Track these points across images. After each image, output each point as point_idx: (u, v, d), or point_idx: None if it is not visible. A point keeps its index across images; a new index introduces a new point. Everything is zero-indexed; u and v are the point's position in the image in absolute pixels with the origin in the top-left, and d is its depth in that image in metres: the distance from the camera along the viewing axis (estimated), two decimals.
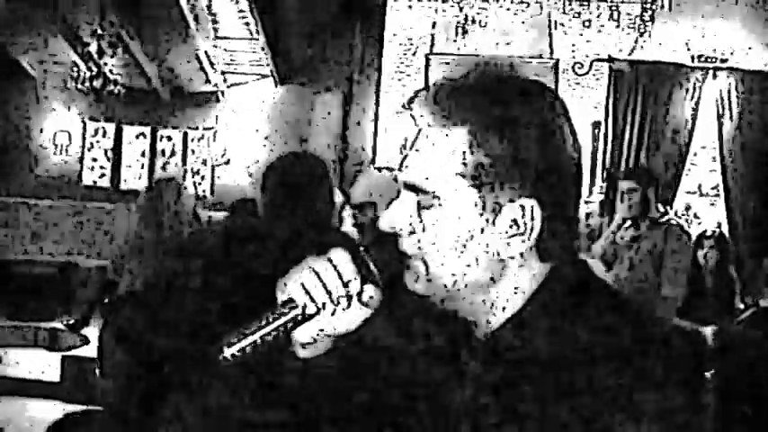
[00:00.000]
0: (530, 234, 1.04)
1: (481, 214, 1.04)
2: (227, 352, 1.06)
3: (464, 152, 1.03)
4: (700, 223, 7.22)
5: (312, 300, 1.08)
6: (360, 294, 1.10)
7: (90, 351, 6.17)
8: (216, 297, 2.27)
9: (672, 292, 4.55)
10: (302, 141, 8.76)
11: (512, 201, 1.04)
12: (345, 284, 1.08)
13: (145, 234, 4.51)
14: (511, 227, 1.04)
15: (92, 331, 5.50)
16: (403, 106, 1.12)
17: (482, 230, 1.05)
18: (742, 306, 5.65)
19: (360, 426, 1.18)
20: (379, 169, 3.14)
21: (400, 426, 1.14)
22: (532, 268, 1.08)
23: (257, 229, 2.53)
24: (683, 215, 7.13)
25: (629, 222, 4.90)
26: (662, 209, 4.87)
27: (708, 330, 4.26)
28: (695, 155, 7.24)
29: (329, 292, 1.08)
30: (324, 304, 1.08)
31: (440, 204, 1.05)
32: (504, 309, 1.08)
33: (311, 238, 2.41)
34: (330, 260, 1.09)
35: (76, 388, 6.10)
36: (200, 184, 9.55)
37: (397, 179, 1.12)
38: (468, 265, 1.05)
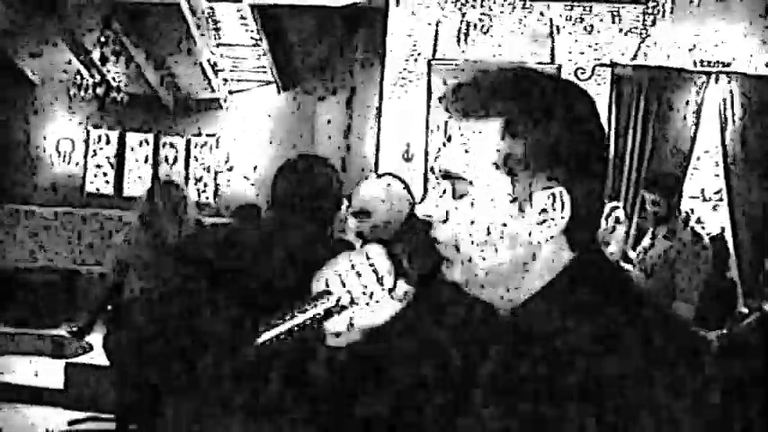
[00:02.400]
0: (559, 220, 1.08)
1: (513, 201, 1.08)
2: (262, 338, 1.11)
3: (498, 142, 1.08)
4: (703, 228, 7.21)
5: (348, 292, 1.12)
6: (392, 289, 1.14)
7: (94, 358, 6.17)
8: (218, 302, 2.27)
9: (684, 306, 4.53)
10: (305, 148, 8.77)
11: (543, 189, 1.08)
12: (380, 279, 1.12)
13: (145, 238, 4.51)
14: (541, 213, 1.08)
15: (96, 338, 5.49)
16: (439, 99, 1.16)
17: (514, 217, 1.08)
18: (746, 310, 5.64)
19: (382, 411, 1.21)
20: (380, 175, 3.14)
21: (422, 410, 1.17)
22: (562, 257, 1.12)
23: (261, 234, 2.52)
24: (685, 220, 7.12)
25: (648, 230, 4.87)
26: (678, 215, 4.83)
27: (712, 335, 4.25)
28: (698, 159, 7.23)
29: (365, 286, 1.12)
30: (358, 297, 1.12)
31: (474, 191, 1.09)
32: (525, 288, 1.12)
33: (317, 244, 2.41)
34: (366, 254, 1.13)
35: (80, 395, 6.11)
36: (203, 190, 9.57)
37: (434, 169, 1.18)
38: (501, 251, 1.09)
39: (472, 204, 1.09)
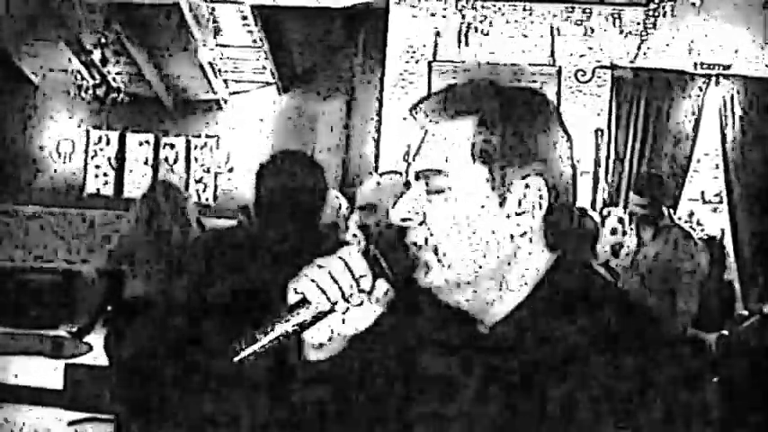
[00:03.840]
0: (538, 209, 1.08)
1: (492, 189, 1.07)
2: (241, 354, 1.06)
3: (473, 135, 1.08)
4: (703, 230, 7.21)
5: (326, 297, 1.08)
6: (371, 291, 1.10)
7: (93, 359, 6.17)
8: (209, 305, 2.27)
9: (687, 304, 4.53)
10: (305, 149, 8.77)
11: (520, 178, 1.08)
12: (357, 281, 1.09)
13: (145, 237, 4.51)
14: (520, 204, 1.08)
15: (95, 339, 5.49)
16: (409, 111, 1.16)
17: (492, 208, 1.07)
18: (746, 313, 5.64)
19: (366, 423, 1.18)
20: (384, 173, 3.14)
21: (408, 421, 1.15)
22: (540, 257, 1.11)
23: (249, 235, 2.52)
24: (686, 222, 7.12)
25: (632, 230, 4.88)
26: (667, 215, 4.84)
27: (711, 337, 4.25)
28: (698, 162, 7.23)
29: (341, 289, 1.08)
30: (337, 301, 1.09)
31: (450, 184, 1.08)
32: (509, 295, 1.10)
33: (304, 243, 2.40)
34: (341, 258, 1.10)
35: (79, 396, 6.10)
36: (203, 191, 9.57)
37: (407, 173, 1.15)
38: (480, 248, 1.08)
39: (450, 198, 1.08)
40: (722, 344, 4.01)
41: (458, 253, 1.08)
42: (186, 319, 2.36)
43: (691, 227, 7.09)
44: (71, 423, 5.85)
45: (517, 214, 1.08)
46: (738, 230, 6.69)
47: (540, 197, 1.08)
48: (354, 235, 2.99)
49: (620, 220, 5.29)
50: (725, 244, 6.95)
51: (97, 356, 5.72)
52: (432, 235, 1.09)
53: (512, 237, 1.08)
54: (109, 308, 4.82)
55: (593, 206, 6.42)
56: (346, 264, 1.09)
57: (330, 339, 1.12)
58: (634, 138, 6.80)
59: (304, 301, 1.08)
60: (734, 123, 6.63)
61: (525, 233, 1.09)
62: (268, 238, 2.43)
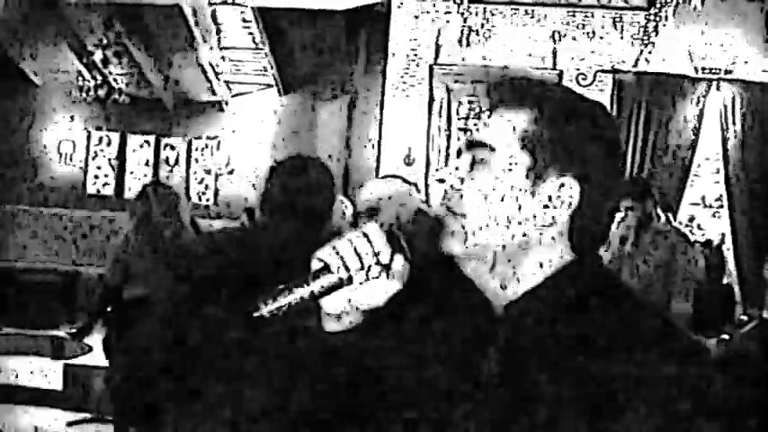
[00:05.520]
0: (566, 208, 1.12)
1: (527, 178, 1.12)
2: (262, 310, 1.11)
3: (529, 125, 1.13)
4: (703, 234, 7.21)
5: (345, 266, 1.13)
6: (389, 264, 1.14)
7: (93, 359, 6.16)
8: (210, 306, 2.27)
9: (682, 306, 4.54)
10: (306, 151, 8.77)
11: (557, 177, 1.12)
12: (377, 254, 1.14)
13: (139, 240, 4.51)
14: (550, 199, 1.12)
15: (95, 339, 5.49)
16: (485, 90, 1.23)
17: (523, 193, 1.12)
18: (746, 318, 5.63)
19: (381, 403, 1.20)
20: (384, 177, 3.14)
21: (422, 404, 1.17)
22: (560, 252, 1.14)
23: (251, 237, 2.52)
24: (686, 226, 7.12)
25: (631, 235, 4.90)
26: (664, 218, 4.86)
27: (711, 342, 4.25)
28: (699, 166, 7.23)
29: (361, 259, 1.13)
30: (356, 271, 1.13)
31: (492, 158, 1.13)
32: (523, 282, 1.14)
33: (309, 247, 2.40)
34: (363, 232, 1.15)
35: (79, 396, 6.10)
36: (203, 193, 9.57)
37: (460, 146, 1.21)
38: (505, 227, 1.12)
39: (488, 173, 1.13)
40: (722, 349, 4.01)
41: (483, 225, 1.12)
42: (186, 322, 2.36)
43: (691, 231, 7.09)
44: (70, 424, 5.85)
45: (545, 206, 1.12)
46: (739, 235, 6.69)
47: (571, 197, 1.11)
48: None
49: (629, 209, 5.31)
50: (723, 249, 6.95)
51: (97, 357, 5.72)
52: (464, 201, 1.14)
53: (536, 225, 1.12)
54: (109, 308, 4.83)
55: None
56: (367, 237, 1.14)
57: (347, 311, 1.16)
58: (635, 142, 6.80)
59: (326, 268, 1.13)
60: (735, 128, 6.63)
61: (550, 225, 1.12)
62: (272, 240, 2.43)
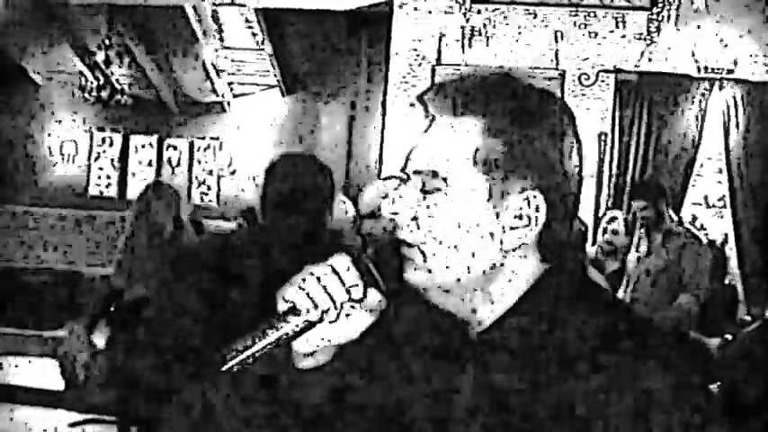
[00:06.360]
0: (533, 226, 1.05)
1: (488, 200, 1.04)
2: (229, 363, 1.04)
3: (477, 139, 1.04)
4: (706, 234, 7.20)
5: (315, 305, 1.05)
6: (363, 300, 1.08)
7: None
8: (214, 307, 2.26)
9: (688, 306, 4.54)
10: (308, 152, 8.76)
11: (519, 192, 1.04)
12: (348, 290, 1.06)
13: (140, 241, 4.52)
14: (515, 217, 1.04)
15: (99, 340, 5.49)
16: (417, 98, 1.14)
17: (486, 218, 1.04)
18: (749, 318, 5.63)
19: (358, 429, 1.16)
20: (386, 178, 3.13)
21: (400, 428, 1.12)
22: (531, 266, 1.07)
23: (255, 238, 2.51)
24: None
25: (642, 235, 4.92)
26: (675, 218, 4.88)
27: (713, 342, 4.25)
28: (701, 166, 7.22)
29: (332, 297, 1.06)
30: (327, 310, 1.06)
31: (446, 188, 1.04)
32: (497, 303, 1.07)
33: (310, 245, 2.39)
34: (331, 266, 1.07)
35: (80, 397, 6.10)
36: (206, 194, 9.57)
37: (404, 167, 1.11)
38: (470, 255, 1.04)
39: (444, 201, 1.04)
40: (725, 348, 4.00)
41: (444, 257, 1.05)
42: (187, 323, 2.35)
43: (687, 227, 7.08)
44: (72, 425, 5.85)
45: (512, 228, 1.04)
46: (742, 235, 6.67)
47: (538, 211, 1.04)
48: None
49: (612, 219, 5.35)
50: (726, 249, 6.94)
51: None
52: (422, 233, 1.06)
53: (503, 249, 1.05)
54: (111, 309, 4.83)
55: (596, 210, 6.41)
56: (336, 272, 1.06)
57: (320, 348, 1.10)
58: (637, 142, 6.79)
59: (293, 310, 1.06)
60: (738, 128, 6.62)
61: (518, 248, 1.05)
62: (272, 240, 2.43)
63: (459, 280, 1.05)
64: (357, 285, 1.07)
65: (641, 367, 0.96)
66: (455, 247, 1.04)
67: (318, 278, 1.06)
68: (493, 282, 1.06)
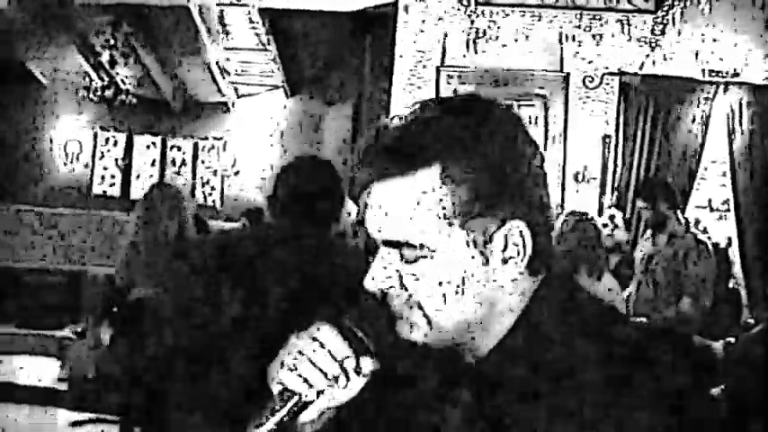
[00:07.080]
0: (523, 256, 1.02)
1: (475, 251, 1.01)
2: None
3: (439, 191, 0.99)
4: (709, 238, 7.19)
5: (310, 386, 1.03)
6: (357, 369, 1.05)
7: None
8: (217, 308, 2.27)
9: (692, 309, 4.53)
10: (312, 153, 8.76)
11: (499, 226, 1.01)
12: (341, 363, 1.03)
13: (144, 241, 4.52)
14: (503, 251, 1.01)
15: (102, 339, 5.50)
16: (357, 165, 1.07)
17: (477, 271, 1.01)
18: (752, 321, 5.62)
19: None
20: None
21: None
22: (523, 286, 1.05)
23: (259, 239, 2.52)
24: None
25: (648, 237, 4.91)
26: (683, 221, 4.85)
27: (718, 345, 4.24)
28: (705, 169, 7.21)
29: (326, 375, 1.03)
30: (323, 389, 1.04)
31: (431, 254, 1.00)
32: (494, 330, 1.05)
33: (316, 248, 2.40)
34: (317, 339, 1.03)
35: (82, 396, 6.10)
36: (209, 194, 9.58)
37: (374, 238, 1.06)
38: (468, 305, 1.02)
39: (431, 267, 1.01)
40: (729, 351, 3.99)
41: (444, 312, 1.02)
42: (187, 325, 2.35)
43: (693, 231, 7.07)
44: (73, 424, 5.85)
45: (504, 262, 1.02)
46: (745, 238, 6.66)
47: (523, 238, 1.01)
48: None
49: (611, 217, 5.36)
50: (729, 252, 6.93)
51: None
52: (415, 300, 1.02)
53: (498, 285, 1.03)
54: (114, 308, 4.83)
55: (599, 212, 6.41)
56: (324, 346, 1.03)
57: (320, 416, 1.08)
58: (642, 145, 6.78)
59: (287, 392, 1.03)
60: (742, 131, 6.61)
61: (513, 281, 1.03)
62: (279, 240, 2.43)
63: (458, 327, 1.03)
64: (349, 357, 1.03)
65: (640, 385, 0.95)
66: (452, 302, 1.01)
67: (307, 357, 1.03)
68: (491, 314, 1.04)
